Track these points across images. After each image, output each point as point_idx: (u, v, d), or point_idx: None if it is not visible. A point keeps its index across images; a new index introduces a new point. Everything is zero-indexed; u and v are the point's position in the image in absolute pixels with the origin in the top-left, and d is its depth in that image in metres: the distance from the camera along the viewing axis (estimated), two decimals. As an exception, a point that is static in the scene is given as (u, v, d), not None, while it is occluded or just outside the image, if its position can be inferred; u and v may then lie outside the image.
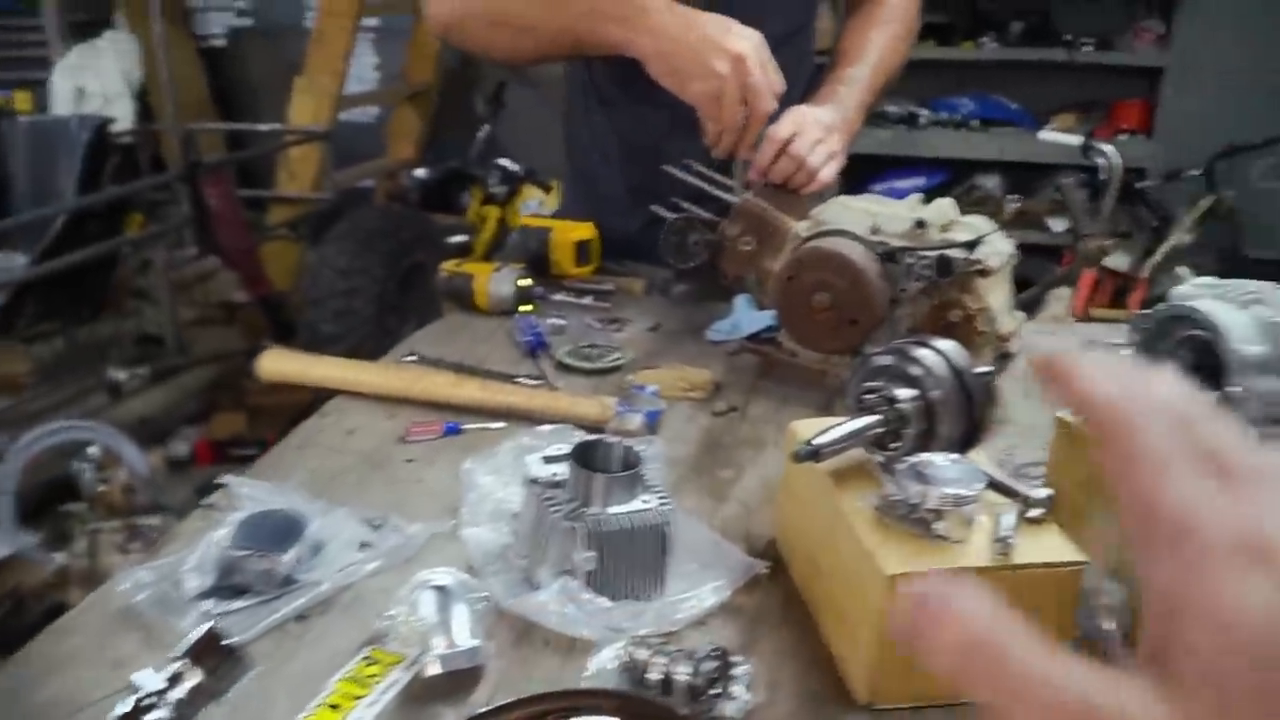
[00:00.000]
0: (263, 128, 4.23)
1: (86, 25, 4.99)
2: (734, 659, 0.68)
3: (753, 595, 0.80)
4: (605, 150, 1.66)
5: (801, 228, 1.23)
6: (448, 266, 1.51)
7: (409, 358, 1.29)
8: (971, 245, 1.11)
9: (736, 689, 0.67)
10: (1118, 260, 3.04)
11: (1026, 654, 0.26)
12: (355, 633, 0.75)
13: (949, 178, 4.41)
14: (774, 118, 1.29)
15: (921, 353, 0.76)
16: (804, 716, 0.68)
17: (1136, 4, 4.14)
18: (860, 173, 4.03)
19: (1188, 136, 3.92)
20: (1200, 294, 0.86)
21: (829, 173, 1.31)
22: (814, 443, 0.72)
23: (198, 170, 3.20)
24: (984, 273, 1.11)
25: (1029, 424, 1.04)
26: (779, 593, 0.81)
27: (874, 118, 3.41)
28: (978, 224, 1.17)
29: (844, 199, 1.25)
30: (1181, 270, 3.06)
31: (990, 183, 4.39)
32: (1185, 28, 3.92)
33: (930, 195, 1.25)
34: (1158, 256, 3.00)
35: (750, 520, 0.92)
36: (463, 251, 4.47)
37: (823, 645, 0.75)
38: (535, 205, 4.47)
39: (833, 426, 0.73)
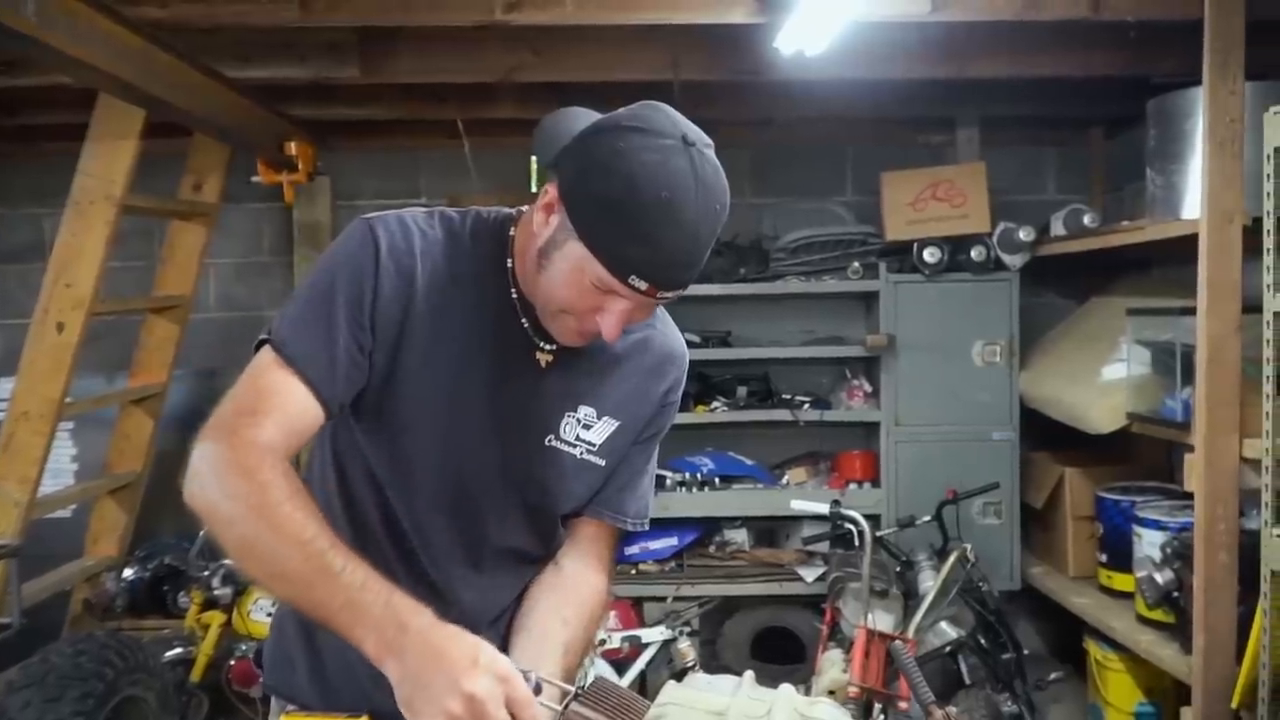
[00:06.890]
0: (-71, 549, 3.61)
1: None
2: None
3: None
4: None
5: (651, 744, 1.07)
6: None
7: None
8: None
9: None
10: (881, 621, 3.09)
11: None
12: None
13: (700, 534, 4.47)
14: None
15: None
16: None
17: (844, 366, 4.55)
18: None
19: (911, 483, 4.21)
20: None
21: None
22: None
23: None
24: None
25: None
26: None
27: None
28: (828, 712, 1.06)
29: (675, 693, 1.11)
30: (945, 625, 3.14)
31: (739, 536, 4.49)
32: (889, 388, 4.30)
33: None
34: (919, 616, 3.06)
35: None
36: (184, 667, 3.91)
37: None
38: (268, 606, 4.02)
39: None
